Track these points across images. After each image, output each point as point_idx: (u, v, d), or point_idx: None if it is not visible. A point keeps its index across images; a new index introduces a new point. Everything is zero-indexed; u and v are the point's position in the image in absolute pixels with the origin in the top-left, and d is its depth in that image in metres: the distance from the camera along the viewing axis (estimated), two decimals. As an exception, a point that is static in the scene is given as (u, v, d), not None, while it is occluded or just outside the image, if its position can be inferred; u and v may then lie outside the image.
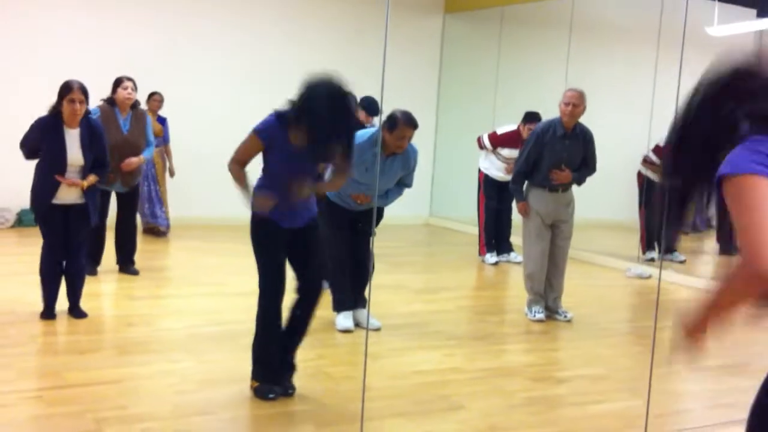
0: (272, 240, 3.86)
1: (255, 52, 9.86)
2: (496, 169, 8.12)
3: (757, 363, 5.09)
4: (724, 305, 1.76)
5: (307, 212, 3.92)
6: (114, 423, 3.42)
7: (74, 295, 5.17)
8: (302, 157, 3.74)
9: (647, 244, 8.60)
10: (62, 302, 5.09)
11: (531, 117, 7.81)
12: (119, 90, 6.22)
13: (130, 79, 6.31)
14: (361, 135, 4.78)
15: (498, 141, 8.05)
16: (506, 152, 7.98)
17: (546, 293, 5.94)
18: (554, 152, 5.71)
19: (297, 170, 3.78)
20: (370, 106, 6.62)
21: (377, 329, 5.21)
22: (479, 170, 8.30)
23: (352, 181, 4.74)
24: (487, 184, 8.21)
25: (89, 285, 5.89)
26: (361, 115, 6.40)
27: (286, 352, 3.98)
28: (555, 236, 5.86)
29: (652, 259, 8.44)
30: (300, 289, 3.95)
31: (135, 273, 6.55)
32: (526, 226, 5.90)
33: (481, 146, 8.18)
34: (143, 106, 8.03)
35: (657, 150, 8.48)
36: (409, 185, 5.21)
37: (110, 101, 6.26)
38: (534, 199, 5.85)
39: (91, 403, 3.65)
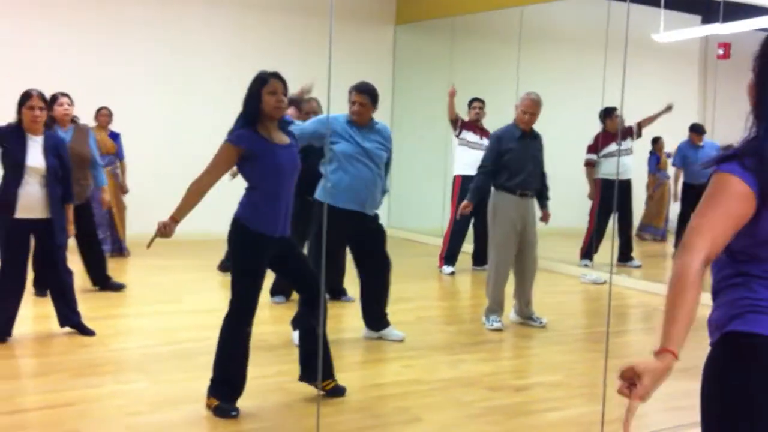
0: (260, 257, 3.84)
1: (206, 65, 9.80)
2: (467, 164, 7.94)
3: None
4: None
5: (288, 220, 3.92)
6: (66, 448, 3.37)
7: (73, 313, 5.20)
8: (285, 148, 3.82)
9: (587, 251, 8.56)
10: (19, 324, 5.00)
11: (474, 99, 8.13)
12: (55, 107, 6.20)
13: (65, 95, 6.33)
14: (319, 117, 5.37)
15: (462, 126, 8.14)
16: (470, 136, 8.07)
17: (518, 300, 5.98)
18: (518, 154, 5.74)
19: (288, 162, 3.80)
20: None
21: (401, 340, 5.32)
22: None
23: (352, 176, 5.10)
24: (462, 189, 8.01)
25: (39, 306, 5.80)
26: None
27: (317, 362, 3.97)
28: (523, 243, 5.85)
29: (586, 266, 8.48)
30: (306, 301, 4.03)
31: (120, 287, 6.58)
32: (494, 231, 5.86)
33: (454, 121, 8.10)
34: (92, 122, 7.96)
35: (590, 148, 8.59)
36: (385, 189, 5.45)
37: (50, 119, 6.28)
38: (503, 204, 5.82)
39: (42, 427, 3.59)
